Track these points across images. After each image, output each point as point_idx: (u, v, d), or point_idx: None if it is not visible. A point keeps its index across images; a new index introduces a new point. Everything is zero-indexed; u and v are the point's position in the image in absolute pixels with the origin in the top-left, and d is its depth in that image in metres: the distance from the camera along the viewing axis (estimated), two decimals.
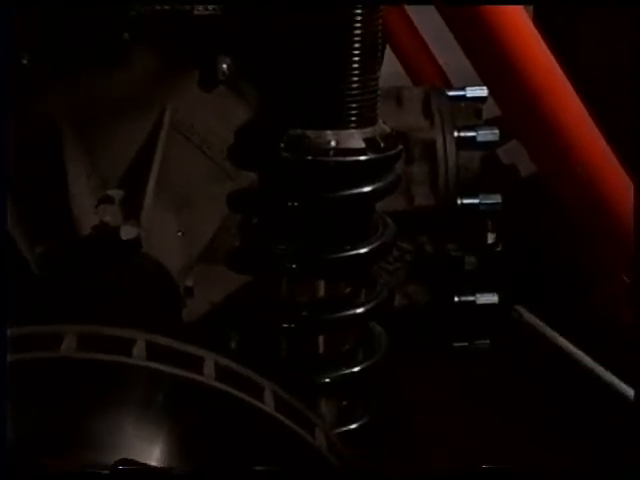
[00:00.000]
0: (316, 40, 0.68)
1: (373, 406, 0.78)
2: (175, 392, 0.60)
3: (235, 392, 0.60)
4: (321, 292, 0.74)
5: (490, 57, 0.87)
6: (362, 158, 0.70)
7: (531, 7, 1.30)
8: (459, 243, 1.11)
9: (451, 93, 1.15)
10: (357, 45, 0.68)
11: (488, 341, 1.13)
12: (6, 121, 0.68)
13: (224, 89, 0.91)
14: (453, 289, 1.11)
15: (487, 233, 1.14)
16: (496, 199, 1.09)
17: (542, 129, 0.89)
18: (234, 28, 0.89)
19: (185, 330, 0.88)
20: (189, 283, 0.90)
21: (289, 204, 0.71)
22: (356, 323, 0.77)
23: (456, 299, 1.10)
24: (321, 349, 0.75)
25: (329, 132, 0.69)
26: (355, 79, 0.68)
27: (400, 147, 0.74)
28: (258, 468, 0.58)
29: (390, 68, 1.32)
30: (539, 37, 0.87)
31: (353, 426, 0.76)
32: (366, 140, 0.70)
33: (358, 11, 0.68)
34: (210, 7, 0.85)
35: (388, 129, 0.73)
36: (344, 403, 0.77)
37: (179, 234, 0.90)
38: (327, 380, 0.74)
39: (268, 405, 0.61)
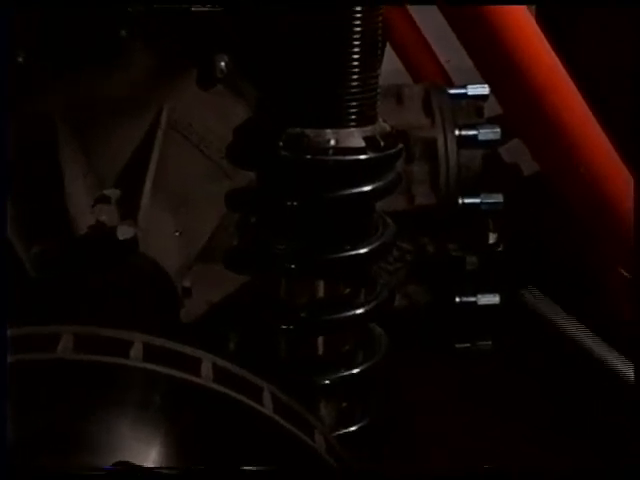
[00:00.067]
0: (315, 38, 0.67)
1: (373, 408, 0.77)
2: (172, 394, 0.60)
3: (233, 394, 0.60)
4: (320, 292, 0.73)
5: (493, 56, 0.86)
6: (362, 157, 0.69)
7: (533, 7, 1.30)
8: (460, 243, 1.10)
9: (452, 91, 1.14)
10: (357, 43, 0.67)
11: (490, 342, 1.13)
12: (6, 121, 0.68)
13: (222, 87, 0.91)
14: (454, 289, 1.10)
15: (488, 233, 1.14)
16: (498, 198, 1.09)
17: (545, 128, 0.89)
18: (233, 26, 0.89)
19: (183, 331, 0.88)
20: (187, 283, 0.90)
21: (288, 203, 0.71)
22: (356, 324, 0.76)
23: (457, 299, 1.10)
24: (320, 350, 0.75)
25: (328, 131, 0.68)
26: (355, 77, 0.68)
27: (400, 146, 0.74)
28: (256, 470, 0.58)
29: (390, 65, 1.32)
30: (542, 36, 0.87)
31: (353, 428, 0.75)
32: (366, 139, 0.69)
33: (358, 9, 0.67)
34: (208, 5, 0.85)
35: (388, 127, 0.72)
36: (344, 405, 0.76)
37: (177, 234, 0.90)
38: (326, 382, 0.74)
39: (266, 407, 0.61)
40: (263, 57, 0.72)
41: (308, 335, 0.75)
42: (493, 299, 1.10)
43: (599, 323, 1.20)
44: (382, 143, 0.71)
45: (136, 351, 0.60)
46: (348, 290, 0.75)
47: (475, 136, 1.10)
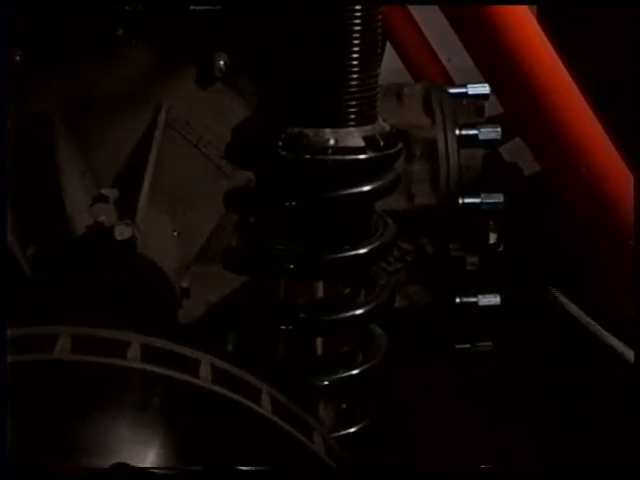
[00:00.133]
0: (315, 37, 0.67)
1: (372, 409, 0.77)
2: (171, 395, 0.59)
3: (232, 395, 0.60)
4: (320, 293, 0.73)
5: (495, 56, 0.86)
6: (361, 157, 0.69)
7: (534, 7, 1.30)
8: (460, 243, 1.10)
9: (452, 90, 1.14)
10: (356, 42, 0.67)
11: (490, 343, 1.12)
12: (6, 121, 0.68)
13: (221, 86, 0.91)
14: (454, 290, 1.10)
15: (489, 233, 1.14)
16: (498, 198, 1.09)
17: (546, 127, 0.89)
18: (233, 25, 0.89)
19: (181, 332, 0.88)
20: (185, 284, 0.89)
21: (287, 203, 0.70)
22: (355, 325, 0.76)
23: (457, 300, 1.10)
24: (320, 351, 0.74)
25: (328, 130, 0.68)
26: (354, 76, 0.68)
27: (400, 145, 0.73)
28: (254, 471, 0.58)
29: (391, 64, 1.31)
30: (543, 36, 0.86)
31: (352, 429, 0.75)
32: (365, 138, 0.69)
33: (357, 8, 0.67)
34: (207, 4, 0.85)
35: (388, 127, 0.72)
36: (343, 406, 0.76)
37: (175, 234, 0.90)
38: (326, 383, 0.74)
39: (265, 408, 0.61)
40: (263, 56, 0.72)
41: (307, 336, 0.75)
42: (494, 299, 1.10)
43: (598, 322, 1.20)
44: (382, 143, 0.70)
45: (134, 352, 0.60)
46: (348, 291, 0.74)
47: (476, 135, 1.09)
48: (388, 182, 0.73)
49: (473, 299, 1.10)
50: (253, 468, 0.58)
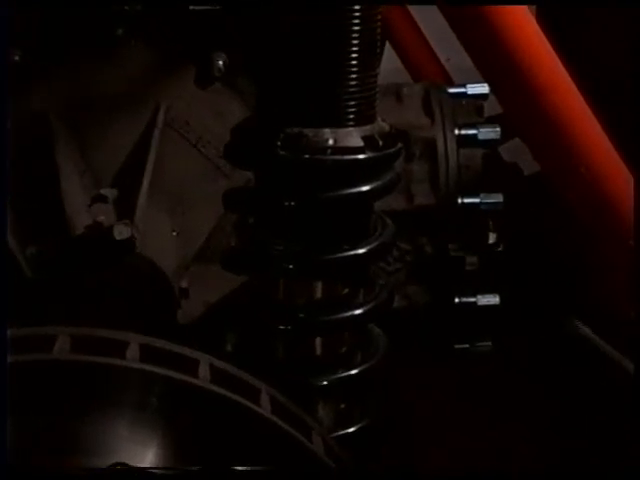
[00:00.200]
0: (314, 37, 0.67)
1: (371, 409, 0.77)
2: (170, 395, 0.59)
3: (231, 395, 0.60)
4: (319, 293, 0.73)
5: (494, 56, 0.86)
6: (360, 157, 0.69)
7: (534, 7, 1.30)
8: (460, 243, 1.10)
9: (452, 90, 1.14)
10: (355, 42, 0.67)
11: (489, 343, 1.12)
12: (6, 121, 0.68)
13: (220, 86, 0.91)
14: (454, 290, 1.10)
15: (488, 233, 1.14)
16: (498, 198, 1.09)
17: (545, 127, 0.88)
18: (232, 25, 0.89)
19: (180, 332, 0.88)
20: (184, 284, 0.89)
21: (286, 203, 0.70)
22: (354, 325, 0.76)
23: (457, 300, 1.10)
24: (319, 351, 0.74)
25: (327, 130, 0.68)
26: (353, 76, 0.67)
27: (399, 145, 0.73)
28: (253, 471, 0.58)
29: (390, 64, 1.31)
30: (543, 36, 0.86)
31: (351, 429, 0.75)
32: (365, 138, 0.69)
33: (356, 8, 0.67)
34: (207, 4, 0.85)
35: (387, 127, 0.72)
36: (342, 406, 0.76)
37: (174, 234, 0.90)
38: (324, 383, 0.73)
39: (264, 408, 0.61)
40: (262, 56, 0.71)
41: (306, 336, 0.74)
42: (493, 299, 1.10)
43: (599, 322, 1.20)
44: (381, 143, 0.70)
45: (133, 352, 0.60)
46: (346, 291, 0.74)
47: (475, 135, 1.09)
48: (387, 182, 0.73)
49: (472, 299, 1.10)
50: (252, 468, 0.58)
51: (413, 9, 1.58)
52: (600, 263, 1.02)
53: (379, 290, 0.76)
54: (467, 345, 1.13)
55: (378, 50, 0.70)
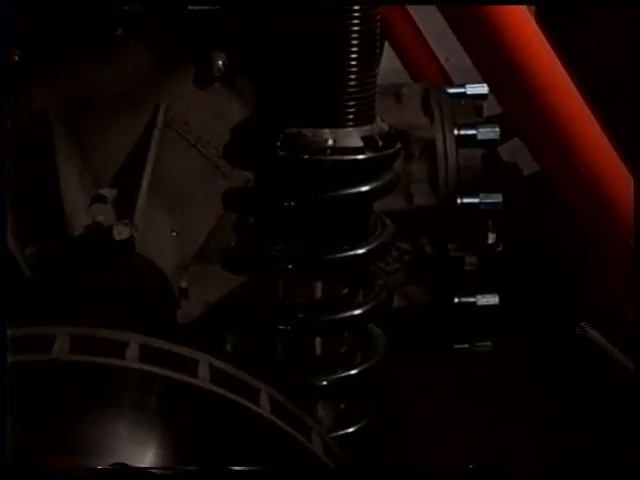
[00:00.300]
0: (313, 37, 0.67)
1: (371, 409, 0.77)
2: (169, 395, 0.59)
3: (230, 395, 0.60)
4: (318, 293, 0.73)
5: (493, 57, 0.86)
6: (360, 157, 0.69)
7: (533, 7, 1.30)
8: (459, 243, 1.10)
9: (451, 90, 1.14)
10: (355, 42, 0.67)
11: (489, 343, 1.12)
12: (6, 122, 0.68)
13: (219, 86, 0.91)
14: (453, 290, 1.10)
15: (488, 233, 1.13)
16: (497, 198, 1.09)
17: (544, 127, 0.88)
18: (231, 25, 0.89)
19: (179, 332, 0.88)
20: (184, 284, 0.89)
21: (285, 203, 0.70)
22: (354, 325, 0.76)
23: (456, 300, 1.10)
24: (318, 351, 0.74)
25: (326, 130, 0.68)
26: (353, 77, 0.67)
27: (399, 145, 0.73)
28: (252, 471, 0.58)
29: (389, 64, 1.31)
30: (542, 36, 0.86)
31: (351, 429, 0.75)
32: (364, 138, 0.69)
33: (356, 8, 0.67)
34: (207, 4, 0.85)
35: (386, 127, 0.72)
36: (341, 406, 0.76)
37: (173, 234, 0.90)
38: (324, 383, 0.73)
39: (264, 408, 0.61)
40: (261, 56, 0.71)
41: (306, 336, 0.74)
42: (492, 299, 1.10)
43: (598, 322, 1.20)
44: (380, 143, 0.70)
45: (132, 352, 0.60)
46: (346, 291, 0.74)
47: (474, 135, 1.09)
48: (387, 182, 0.73)
49: (472, 299, 1.10)
50: (251, 468, 0.58)
51: (412, 9, 1.58)
52: (600, 263, 1.02)
53: (379, 290, 0.76)
54: (467, 345, 1.13)
55: (377, 50, 0.70)
